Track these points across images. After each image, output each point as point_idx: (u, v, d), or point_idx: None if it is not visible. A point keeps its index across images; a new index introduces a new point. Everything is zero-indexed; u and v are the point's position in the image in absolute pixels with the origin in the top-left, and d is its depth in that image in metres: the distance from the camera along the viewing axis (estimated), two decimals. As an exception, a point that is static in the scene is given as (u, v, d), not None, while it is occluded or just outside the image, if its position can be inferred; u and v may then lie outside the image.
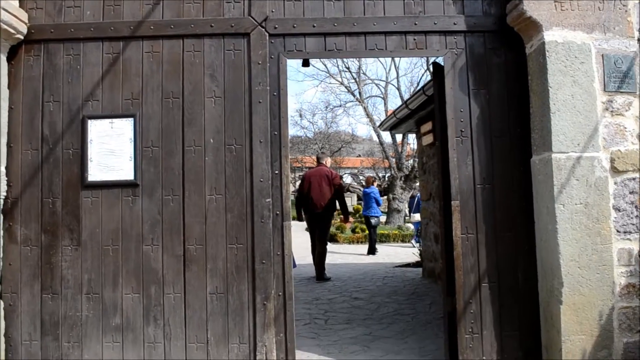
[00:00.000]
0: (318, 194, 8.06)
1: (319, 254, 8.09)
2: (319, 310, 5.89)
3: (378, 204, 12.59)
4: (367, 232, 16.69)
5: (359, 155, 44.71)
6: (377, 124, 23.49)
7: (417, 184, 27.67)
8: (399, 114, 7.21)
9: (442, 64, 3.78)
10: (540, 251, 3.50)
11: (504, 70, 3.71)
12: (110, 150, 3.66)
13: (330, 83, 24.02)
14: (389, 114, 7.81)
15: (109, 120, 3.68)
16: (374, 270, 8.95)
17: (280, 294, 3.55)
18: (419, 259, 9.84)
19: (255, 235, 3.54)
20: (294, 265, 3.94)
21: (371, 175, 16.79)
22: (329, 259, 9.21)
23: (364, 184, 33.62)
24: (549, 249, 3.40)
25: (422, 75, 22.80)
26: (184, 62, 3.70)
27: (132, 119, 3.66)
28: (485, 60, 3.72)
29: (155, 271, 3.57)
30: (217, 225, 3.57)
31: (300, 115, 35.81)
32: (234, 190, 3.59)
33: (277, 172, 3.58)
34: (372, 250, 12.38)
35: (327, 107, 30.13)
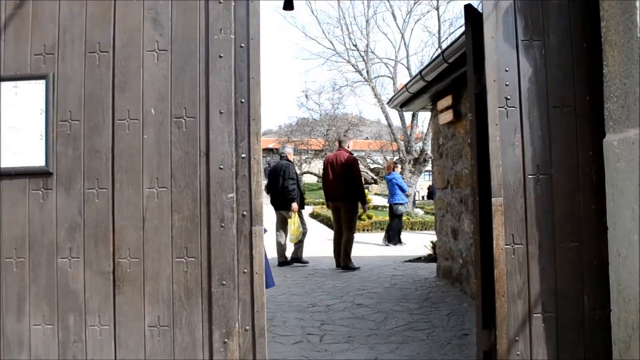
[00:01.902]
0: (336, 181, 7.63)
1: (344, 242, 7.61)
2: (314, 321, 4.88)
3: (402, 190, 11.51)
4: (374, 218, 15.80)
5: (367, 138, 43.63)
6: (385, 104, 22.34)
7: (427, 168, 26.63)
8: (411, 87, 6.12)
9: (480, 8, 2.70)
10: (617, 270, 2.45)
11: (567, 13, 2.62)
12: (14, 125, 2.62)
13: (336, 61, 22.85)
14: (399, 88, 6.72)
15: (13, 83, 2.63)
16: (381, 267, 7.93)
17: (247, 328, 2.51)
18: (431, 252, 8.84)
19: (213, 245, 2.50)
20: (271, 284, 2.89)
21: (392, 159, 15.50)
22: (330, 252, 8.23)
23: (371, 167, 32.46)
24: (632, 268, 2.34)
25: (434, 54, 21.52)
26: (115, 1, 2.64)
27: (43, 81, 2.62)
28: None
29: (74, 294, 2.55)
30: (160, 230, 2.53)
31: (306, 97, 34.72)
32: (184, 181, 2.54)
33: (243, 155, 2.53)
34: (397, 240, 11.44)
35: (333, 88, 28.88)
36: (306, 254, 8.43)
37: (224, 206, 2.49)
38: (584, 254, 2.55)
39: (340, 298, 5.77)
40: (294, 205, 7.84)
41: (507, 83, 2.58)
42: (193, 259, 2.51)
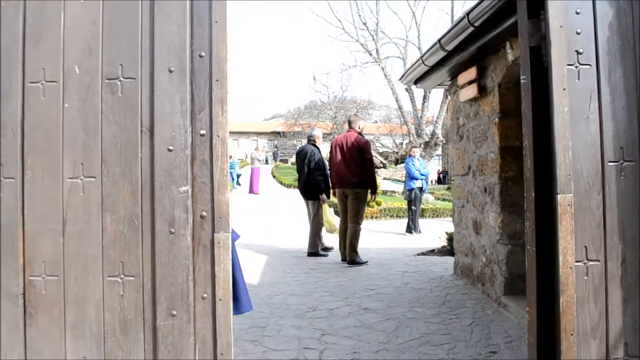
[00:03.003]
0: (344, 165, 6.83)
1: (350, 235, 6.82)
2: (314, 330, 4.18)
3: (412, 178, 10.80)
4: (383, 205, 15.09)
5: (376, 122, 42.85)
6: (395, 86, 21.49)
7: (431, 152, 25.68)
8: (429, 59, 5.31)
9: None
10: None
11: None
12: None
13: (345, 41, 21.90)
14: (414, 61, 5.93)
15: None
16: (391, 261, 7.20)
17: (207, 376, 1.79)
18: (445, 244, 8.11)
19: (159, 258, 1.78)
20: (247, 307, 2.12)
21: (411, 144, 14.55)
22: (335, 243, 7.52)
23: (380, 151, 31.80)
24: None
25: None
26: None
27: None
28: None
29: (-28, 323, 1.85)
30: (86, 237, 1.81)
31: (314, 78, 33.89)
32: (119, 168, 1.81)
33: (203, 132, 1.79)
34: (408, 228, 10.82)
35: (342, 70, 27.93)
36: (300, 245, 7.75)
37: (175, 204, 1.76)
38: (684, 274, 1.81)
39: (344, 300, 5.05)
40: (323, 197, 7.40)
41: (579, 31, 1.82)
42: (132, 278, 1.78)
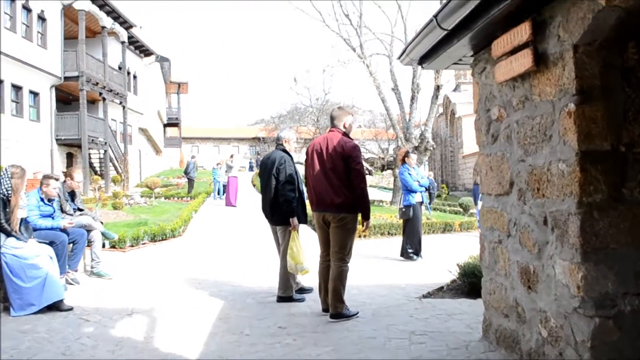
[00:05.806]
0: (324, 179, 4.72)
1: (333, 277, 4.78)
2: None
3: (410, 191, 8.77)
4: (371, 226, 13.24)
5: (359, 126, 41.18)
6: (381, 86, 19.69)
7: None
8: (447, 19, 3.43)
9: None
10: None
11: None
12: None
13: (328, 34, 20.05)
14: (419, 29, 4.03)
15: None
16: (390, 309, 5.27)
17: None
18: (456, 278, 6.27)
19: None
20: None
21: (402, 148, 12.32)
22: (313, 280, 5.59)
23: (365, 157, 30.10)
24: None
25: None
26: None
27: None
28: None
29: None
30: None
31: (295, 80, 32.13)
32: None
33: None
34: (403, 253, 8.91)
35: (324, 69, 26.10)
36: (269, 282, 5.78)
37: None
38: None
39: (324, 401, 3.14)
40: (294, 222, 5.33)
41: None
42: None
